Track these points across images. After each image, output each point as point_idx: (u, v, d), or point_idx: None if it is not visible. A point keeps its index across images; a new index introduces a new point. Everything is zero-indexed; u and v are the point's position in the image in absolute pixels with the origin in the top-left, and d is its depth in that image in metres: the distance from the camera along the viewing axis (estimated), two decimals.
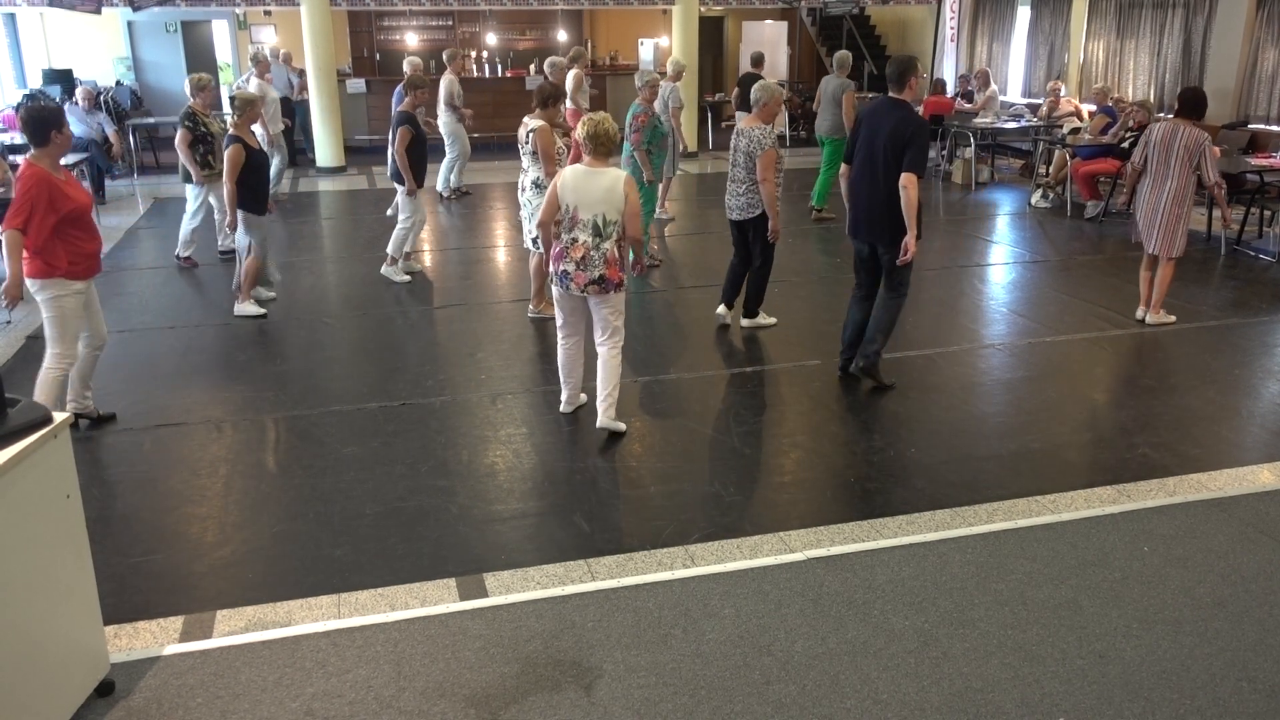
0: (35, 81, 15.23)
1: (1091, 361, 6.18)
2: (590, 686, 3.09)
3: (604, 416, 4.98)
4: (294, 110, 13.82)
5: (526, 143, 6.52)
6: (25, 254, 4.55)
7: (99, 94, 13.09)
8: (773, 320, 6.81)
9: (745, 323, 6.77)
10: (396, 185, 7.82)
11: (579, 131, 4.84)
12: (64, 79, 14.70)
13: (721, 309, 6.81)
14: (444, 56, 11.11)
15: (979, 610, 3.48)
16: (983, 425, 5.18)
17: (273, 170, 9.74)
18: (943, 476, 4.57)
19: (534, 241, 6.67)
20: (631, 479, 4.56)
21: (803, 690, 3.06)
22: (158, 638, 3.36)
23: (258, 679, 3.13)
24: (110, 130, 12.06)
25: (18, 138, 11.86)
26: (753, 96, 6.25)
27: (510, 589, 3.65)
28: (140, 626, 3.42)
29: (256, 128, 8.12)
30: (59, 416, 2.86)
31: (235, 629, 3.41)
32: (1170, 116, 6.61)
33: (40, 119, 4.48)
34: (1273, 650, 3.26)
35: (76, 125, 11.66)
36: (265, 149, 7.87)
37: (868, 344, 5.63)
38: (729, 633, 3.35)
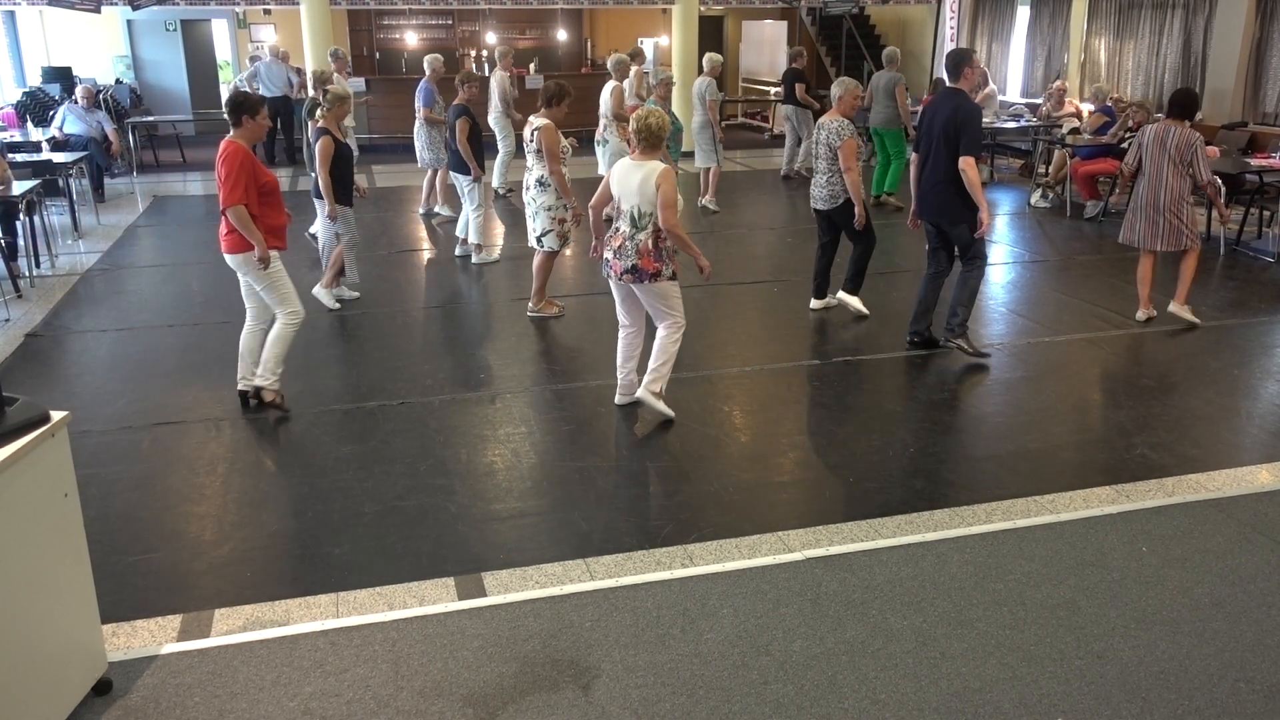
0: (35, 79, 15.21)
1: (1090, 362, 6.18)
2: (588, 686, 3.09)
3: (644, 389, 5.13)
4: (294, 109, 13.82)
5: (531, 141, 6.54)
6: (225, 229, 4.94)
7: (98, 92, 13.08)
8: (865, 310, 6.97)
9: (842, 295, 7.01)
10: (459, 177, 8.19)
11: (630, 126, 5.05)
12: (63, 77, 14.68)
13: (814, 302, 7.14)
14: (496, 54, 11.21)
15: (977, 610, 3.48)
16: (981, 425, 5.18)
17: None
18: (941, 476, 4.57)
19: (539, 240, 6.68)
20: (630, 478, 4.56)
21: (801, 690, 3.06)
22: (155, 636, 3.36)
23: (256, 678, 3.13)
24: (109, 129, 12.05)
25: (16, 135, 11.88)
26: (832, 92, 6.71)
27: (509, 588, 3.65)
28: (138, 625, 3.42)
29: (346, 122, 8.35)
30: (56, 415, 2.85)
31: (233, 628, 3.41)
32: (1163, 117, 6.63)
33: (237, 105, 4.90)
34: (1270, 650, 3.26)
35: (76, 124, 11.67)
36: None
37: (951, 317, 6.10)
38: (727, 633, 3.35)
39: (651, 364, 5.12)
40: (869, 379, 5.86)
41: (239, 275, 5.21)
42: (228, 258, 5.08)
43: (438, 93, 9.90)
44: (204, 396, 5.56)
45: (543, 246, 6.70)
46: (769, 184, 12.45)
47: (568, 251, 6.70)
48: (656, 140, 4.94)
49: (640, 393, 5.16)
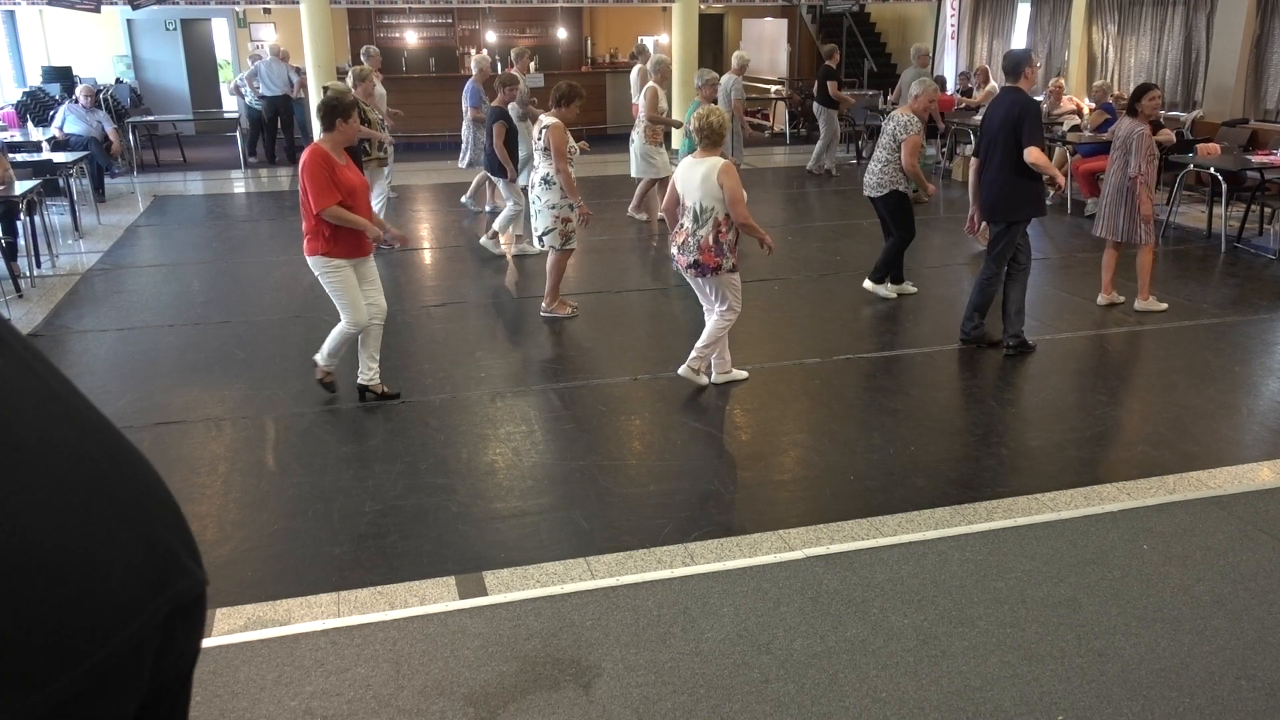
0: (35, 79, 15.20)
1: (1091, 359, 6.17)
2: (589, 685, 3.09)
3: (685, 366, 5.49)
4: (294, 108, 13.81)
5: (539, 139, 6.56)
6: (306, 230, 5.05)
7: (98, 92, 13.08)
8: (893, 294, 7.31)
9: (867, 284, 7.36)
10: (494, 178, 8.47)
11: (690, 124, 5.42)
12: (63, 77, 14.68)
13: (884, 288, 7.36)
14: (511, 55, 11.25)
15: (978, 608, 3.48)
16: (982, 423, 5.18)
17: None
18: (942, 474, 4.56)
19: (540, 239, 6.69)
20: (631, 477, 4.56)
21: (801, 689, 3.06)
22: None
23: (256, 677, 3.13)
24: (110, 128, 12.06)
25: (16, 135, 11.88)
26: (911, 89, 6.99)
27: (509, 587, 3.65)
28: None
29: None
30: None
31: (234, 627, 3.41)
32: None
33: (330, 108, 4.99)
34: (1272, 648, 3.25)
35: (76, 123, 11.67)
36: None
37: (1020, 316, 6.08)
38: (728, 631, 3.35)
39: (699, 344, 5.46)
40: (869, 377, 5.85)
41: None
42: (310, 260, 5.14)
43: (485, 93, 10.00)
44: (205, 396, 5.56)
45: (544, 245, 6.70)
46: (770, 181, 12.45)
47: (571, 248, 6.68)
48: (718, 137, 5.18)
49: (681, 369, 5.51)
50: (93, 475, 0.98)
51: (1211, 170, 9.11)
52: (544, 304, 6.94)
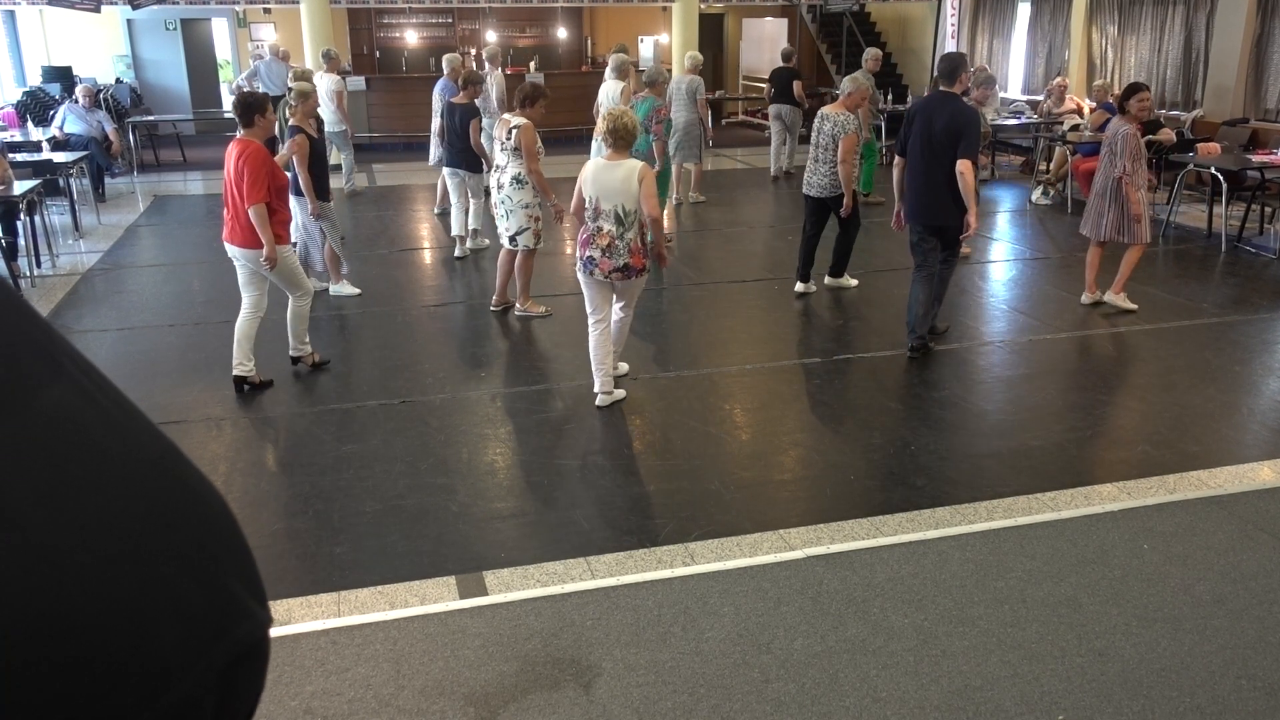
0: (35, 79, 15.20)
1: (1091, 359, 6.17)
2: (589, 685, 3.08)
3: (602, 394, 5.31)
4: None
5: (509, 139, 6.56)
6: (241, 222, 5.21)
7: (98, 92, 13.08)
8: (854, 282, 7.57)
9: (829, 281, 7.56)
10: (470, 174, 8.50)
11: (601, 126, 5.26)
12: (63, 77, 14.68)
13: (800, 286, 7.45)
14: (484, 55, 11.31)
15: (978, 608, 3.48)
16: (983, 423, 5.18)
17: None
18: (942, 474, 4.56)
19: (512, 239, 6.65)
20: (631, 477, 4.56)
21: (802, 688, 3.06)
22: None
23: None
24: (110, 128, 12.05)
25: (16, 135, 11.88)
26: (842, 87, 7.07)
27: (510, 587, 3.65)
28: None
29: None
30: None
31: None
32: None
33: (248, 104, 5.20)
34: (1272, 648, 3.25)
35: (76, 123, 11.67)
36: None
37: (927, 318, 6.10)
38: (728, 631, 3.35)
39: (606, 361, 5.29)
40: (870, 377, 5.85)
41: (238, 265, 5.42)
42: (235, 250, 5.33)
43: (454, 91, 9.98)
44: (205, 396, 5.56)
45: (517, 245, 6.67)
46: (768, 182, 12.45)
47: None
48: (629, 137, 5.08)
49: (602, 399, 5.30)
50: (148, 514, 0.93)
51: (1212, 170, 9.11)
52: (517, 305, 6.92)
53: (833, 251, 7.48)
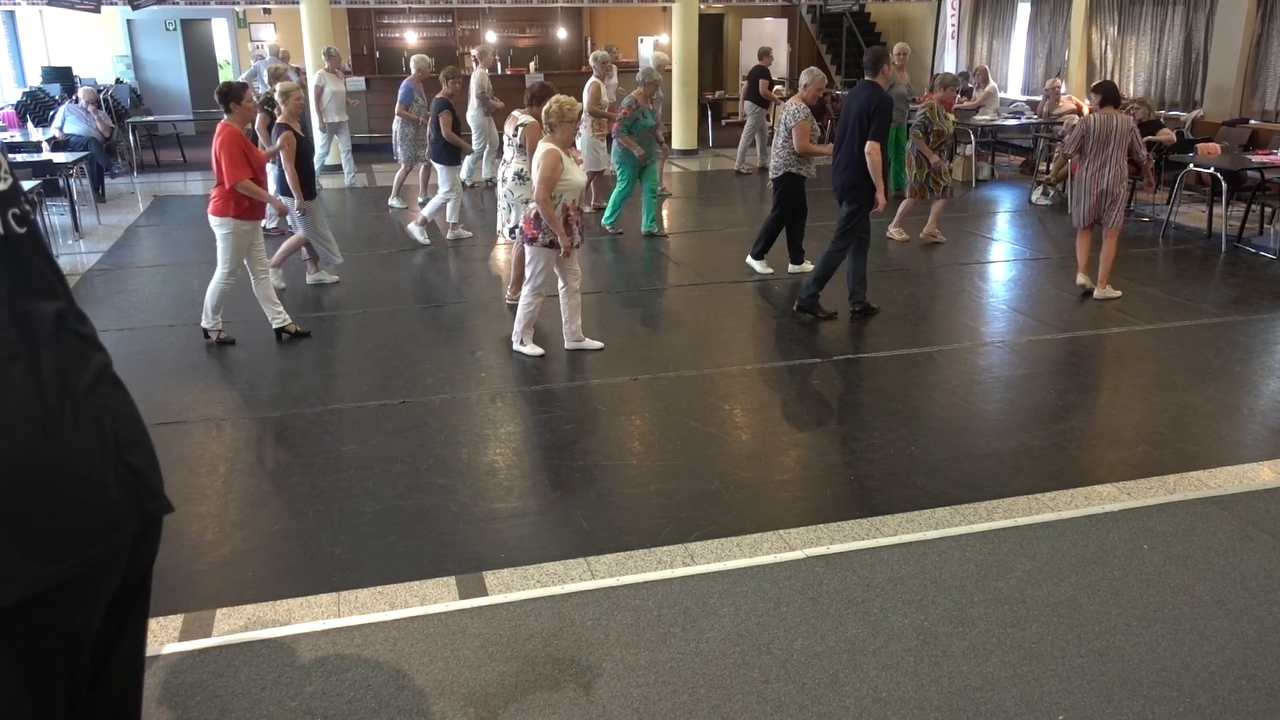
0: (35, 79, 15.21)
1: (1091, 359, 6.17)
2: (589, 685, 3.08)
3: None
4: None
5: (515, 136, 6.67)
6: (216, 195, 5.95)
7: (99, 92, 13.08)
8: (769, 270, 8.04)
9: (749, 261, 8.12)
10: (437, 164, 8.91)
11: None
12: (63, 77, 14.68)
13: (751, 261, 8.09)
14: (474, 53, 11.55)
15: (978, 608, 3.48)
16: (983, 423, 5.18)
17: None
18: (942, 474, 4.56)
19: (510, 231, 6.77)
20: (631, 477, 4.56)
21: (802, 689, 3.06)
22: (157, 636, 3.36)
23: (257, 677, 3.13)
24: (103, 125, 12.09)
25: (16, 135, 11.88)
26: (800, 79, 7.70)
27: (510, 587, 3.65)
28: None
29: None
30: None
31: (234, 627, 3.41)
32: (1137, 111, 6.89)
33: (224, 94, 5.98)
34: (1272, 648, 3.25)
35: (76, 124, 11.67)
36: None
37: (815, 285, 6.79)
38: (728, 631, 3.35)
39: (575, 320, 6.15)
40: (870, 377, 5.86)
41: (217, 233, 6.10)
42: (211, 219, 6.02)
43: (419, 92, 10.27)
44: (205, 396, 5.56)
45: (514, 239, 6.77)
46: (761, 182, 12.44)
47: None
48: (548, 120, 5.70)
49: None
50: (92, 413, 1.58)
51: (1211, 170, 9.11)
52: (508, 293, 7.02)
53: (760, 232, 8.07)
